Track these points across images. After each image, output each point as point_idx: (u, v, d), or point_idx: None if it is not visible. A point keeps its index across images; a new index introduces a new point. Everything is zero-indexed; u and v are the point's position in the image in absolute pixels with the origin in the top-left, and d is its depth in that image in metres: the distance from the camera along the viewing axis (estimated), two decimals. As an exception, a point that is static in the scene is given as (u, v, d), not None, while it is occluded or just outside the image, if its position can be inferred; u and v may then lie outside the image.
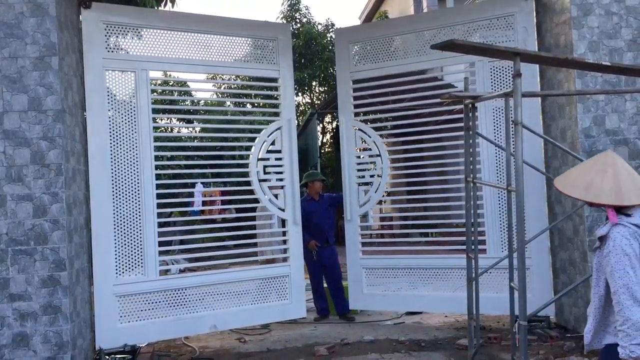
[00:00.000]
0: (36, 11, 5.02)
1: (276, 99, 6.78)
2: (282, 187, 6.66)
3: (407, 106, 7.09)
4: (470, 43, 3.84)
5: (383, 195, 7.31)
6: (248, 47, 6.71)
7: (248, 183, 6.61)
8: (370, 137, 7.07)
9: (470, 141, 4.88)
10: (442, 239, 7.37)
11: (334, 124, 20.84)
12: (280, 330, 6.85)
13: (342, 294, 7.41)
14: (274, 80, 6.77)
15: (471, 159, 4.91)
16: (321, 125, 20.15)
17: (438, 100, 5.52)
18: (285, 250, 6.77)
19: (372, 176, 7.10)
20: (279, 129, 6.68)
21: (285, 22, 21.39)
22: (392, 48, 6.97)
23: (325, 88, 21.05)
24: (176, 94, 13.53)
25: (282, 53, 6.77)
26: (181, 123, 11.31)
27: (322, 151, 20.06)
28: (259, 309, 6.43)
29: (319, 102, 20.48)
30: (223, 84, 17.84)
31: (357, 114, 7.20)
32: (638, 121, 5.69)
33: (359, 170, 7.14)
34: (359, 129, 7.13)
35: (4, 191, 4.94)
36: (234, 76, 15.07)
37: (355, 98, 7.16)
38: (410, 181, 7.57)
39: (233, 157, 6.78)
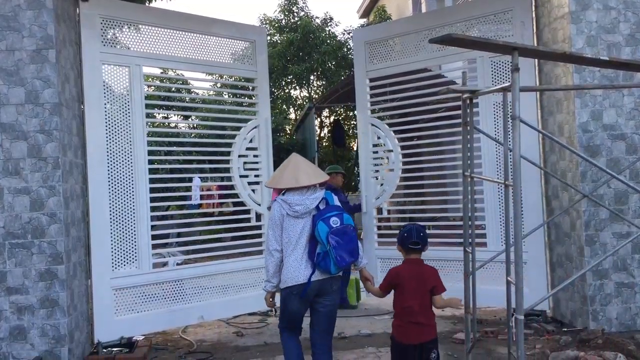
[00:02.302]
0: (33, 3, 5.00)
1: (254, 98, 7.09)
2: (258, 182, 6.90)
3: (415, 102, 7.27)
4: (468, 37, 3.83)
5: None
6: (229, 48, 6.94)
7: (230, 178, 6.89)
8: (383, 133, 7.36)
9: (468, 136, 4.87)
10: (447, 232, 7.50)
11: (332, 118, 20.80)
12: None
13: (345, 286, 7.55)
14: (252, 80, 7.10)
15: (469, 153, 4.91)
16: (319, 119, 20.10)
17: (441, 96, 5.56)
18: (262, 244, 6.89)
19: (388, 170, 7.40)
20: (256, 127, 6.97)
21: (282, 15, 21.33)
22: (403, 47, 7.24)
23: (323, 82, 20.98)
24: (173, 89, 13.48)
25: (259, 55, 7.06)
26: (172, 118, 11.37)
27: (320, 145, 20.03)
28: (240, 299, 6.65)
29: (316, 96, 20.43)
30: (208, 81, 17.84)
31: (372, 111, 7.53)
32: (635, 116, 5.70)
33: (374, 165, 7.48)
34: (374, 125, 7.41)
35: (0, 184, 4.93)
36: (217, 75, 15.16)
37: (371, 95, 7.52)
38: (418, 175, 7.78)
39: (228, 153, 6.86)
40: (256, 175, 6.90)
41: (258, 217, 6.90)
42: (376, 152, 7.48)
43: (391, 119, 7.75)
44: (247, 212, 6.91)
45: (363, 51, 7.49)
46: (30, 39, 5.01)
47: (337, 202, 4.18)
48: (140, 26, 6.17)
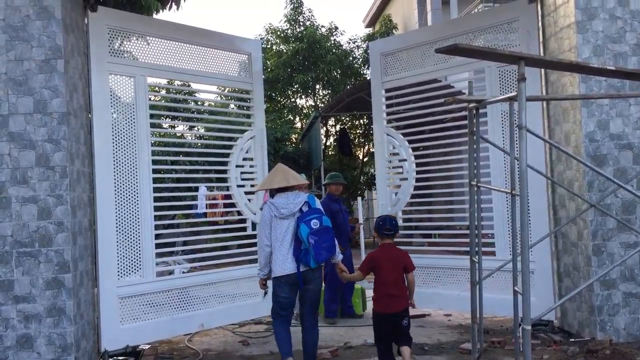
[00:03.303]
0: (42, 14, 5.05)
1: (250, 109, 7.25)
2: (254, 192, 7.01)
3: (428, 112, 7.36)
4: (475, 47, 3.85)
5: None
6: (226, 60, 7.08)
7: (228, 188, 7.00)
8: (398, 143, 7.46)
9: (475, 145, 4.87)
10: (456, 240, 7.53)
11: (338, 127, 20.82)
12: (283, 333, 6.84)
13: (351, 296, 7.61)
14: (248, 92, 7.25)
15: (475, 162, 4.91)
16: (324, 128, 20.13)
17: (451, 106, 5.64)
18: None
19: (402, 179, 7.50)
20: (252, 138, 7.10)
21: (288, 25, 21.42)
22: (417, 57, 7.36)
23: (329, 91, 21.02)
24: (179, 98, 13.59)
25: (254, 67, 7.24)
26: (176, 128, 11.52)
27: (326, 154, 20.05)
28: (237, 307, 6.77)
29: (322, 105, 20.47)
30: (206, 92, 17.93)
31: (387, 121, 7.66)
32: (642, 125, 5.68)
33: (389, 174, 7.62)
34: (389, 135, 7.54)
35: (9, 193, 4.95)
36: (221, 87, 15.47)
37: (387, 106, 7.66)
38: (430, 184, 7.86)
39: (227, 164, 6.93)
40: (252, 185, 7.00)
41: (254, 226, 6.95)
42: (391, 162, 7.57)
43: (405, 129, 7.82)
44: (244, 221, 7.03)
45: (379, 62, 7.59)
46: (39, 49, 5.05)
47: (318, 206, 4.96)
48: (144, 37, 6.26)
